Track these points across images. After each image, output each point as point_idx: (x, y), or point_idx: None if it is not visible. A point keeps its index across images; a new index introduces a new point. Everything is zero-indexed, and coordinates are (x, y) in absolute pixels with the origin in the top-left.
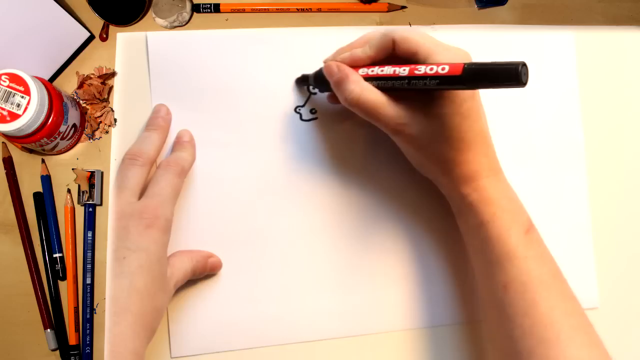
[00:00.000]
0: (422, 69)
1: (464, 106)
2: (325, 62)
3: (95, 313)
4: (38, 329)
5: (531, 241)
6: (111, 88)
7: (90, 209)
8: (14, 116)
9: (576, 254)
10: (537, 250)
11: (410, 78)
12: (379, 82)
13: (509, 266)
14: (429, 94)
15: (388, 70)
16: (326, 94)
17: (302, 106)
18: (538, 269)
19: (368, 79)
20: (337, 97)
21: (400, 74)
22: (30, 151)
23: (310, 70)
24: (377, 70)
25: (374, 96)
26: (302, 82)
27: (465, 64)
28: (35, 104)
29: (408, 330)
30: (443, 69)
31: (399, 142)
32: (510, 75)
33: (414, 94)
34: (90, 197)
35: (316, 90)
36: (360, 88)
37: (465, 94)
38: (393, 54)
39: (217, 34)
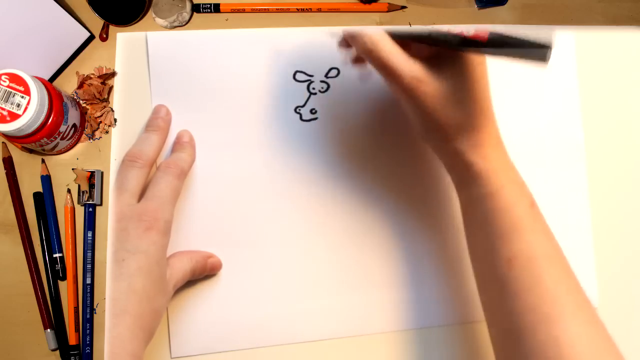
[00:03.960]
0: (445, 29)
1: (477, 69)
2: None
3: (95, 313)
4: (38, 329)
5: (536, 215)
6: (111, 88)
7: (90, 209)
8: (14, 116)
9: (576, 254)
10: (542, 224)
11: (432, 31)
12: (400, 32)
13: (516, 239)
14: (443, 55)
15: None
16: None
17: (302, 106)
18: (544, 243)
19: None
20: (356, 48)
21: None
22: (30, 151)
23: (312, 69)
24: (402, 28)
25: (391, 46)
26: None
27: (490, 32)
28: (35, 104)
29: (409, 330)
30: (468, 31)
31: (410, 104)
32: (535, 47)
33: (428, 53)
34: (90, 197)
35: (317, 90)
36: (380, 36)
37: (476, 57)
38: None
39: (217, 34)
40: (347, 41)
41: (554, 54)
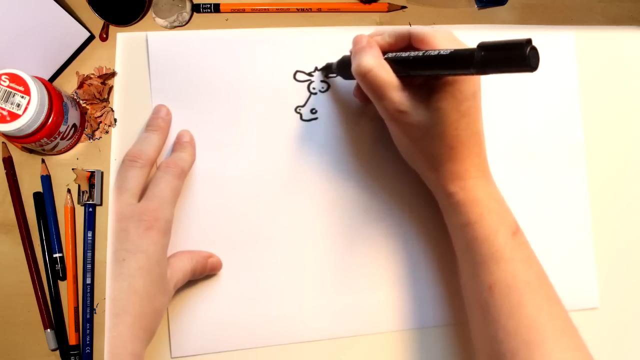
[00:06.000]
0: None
1: (464, 104)
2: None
3: (95, 313)
4: (38, 329)
5: (518, 243)
6: (111, 88)
7: (90, 209)
8: (14, 116)
9: (576, 254)
10: (523, 252)
11: (425, 51)
12: (395, 54)
13: (495, 267)
14: (433, 86)
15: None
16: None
17: (303, 106)
18: (524, 271)
19: (386, 59)
20: (352, 65)
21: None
22: (30, 151)
23: (312, 69)
24: (397, 53)
25: (386, 75)
26: (326, 70)
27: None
28: (35, 104)
29: (409, 330)
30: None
31: (394, 130)
32: (518, 54)
33: (420, 82)
34: (90, 197)
35: (317, 90)
36: (377, 62)
37: (467, 92)
38: (408, 46)
39: (217, 34)
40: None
41: (542, 55)
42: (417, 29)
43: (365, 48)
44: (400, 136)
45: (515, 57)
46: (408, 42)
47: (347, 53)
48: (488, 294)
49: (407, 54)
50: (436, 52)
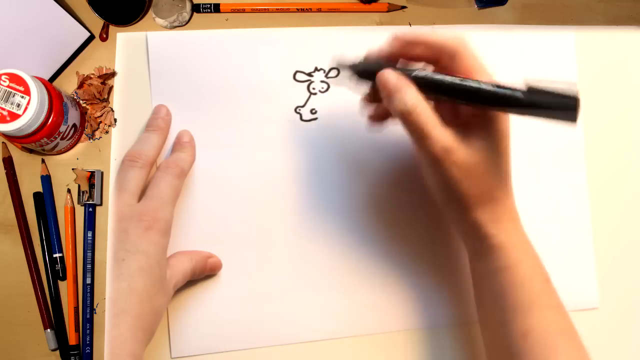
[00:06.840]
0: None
1: (503, 142)
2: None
3: (95, 313)
4: (38, 329)
5: (551, 290)
6: (111, 88)
7: (90, 209)
8: (14, 116)
9: (576, 254)
10: (556, 300)
11: (463, 79)
12: (427, 74)
13: (531, 314)
14: (473, 125)
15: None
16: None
17: (302, 106)
18: (559, 319)
19: (418, 78)
20: (388, 105)
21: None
22: (30, 151)
23: (312, 69)
24: (429, 73)
25: (429, 113)
26: (340, 67)
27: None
28: (35, 104)
29: (409, 330)
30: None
31: (436, 170)
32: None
33: (460, 120)
34: (90, 197)
35: (317, 90)
36: (416, 100)
37: (505, 130)
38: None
39: (217, 34)
40: (372, 97)
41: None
42: (450, 42)
43: (400, 88)
44: (439, 178)
45: (564, 106)
46: (432, 53)
47: (350, 52)
48: (522, 342)
49: (444, 78)
50: (477, 85)
